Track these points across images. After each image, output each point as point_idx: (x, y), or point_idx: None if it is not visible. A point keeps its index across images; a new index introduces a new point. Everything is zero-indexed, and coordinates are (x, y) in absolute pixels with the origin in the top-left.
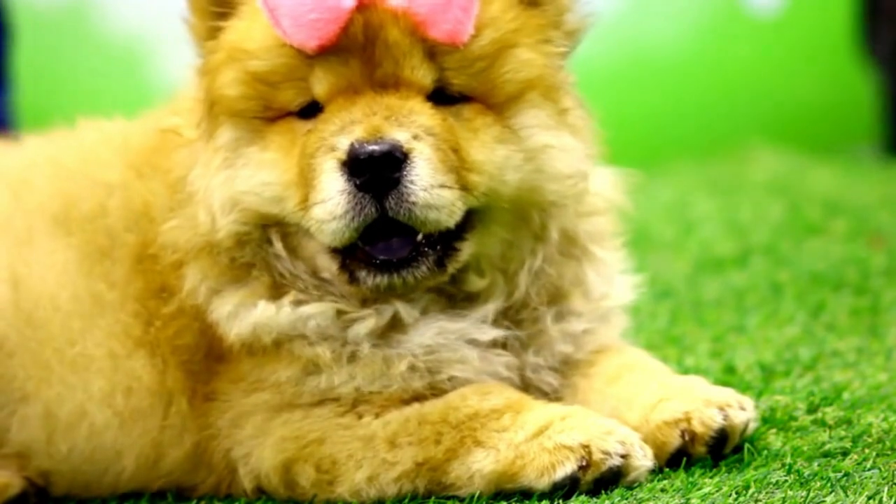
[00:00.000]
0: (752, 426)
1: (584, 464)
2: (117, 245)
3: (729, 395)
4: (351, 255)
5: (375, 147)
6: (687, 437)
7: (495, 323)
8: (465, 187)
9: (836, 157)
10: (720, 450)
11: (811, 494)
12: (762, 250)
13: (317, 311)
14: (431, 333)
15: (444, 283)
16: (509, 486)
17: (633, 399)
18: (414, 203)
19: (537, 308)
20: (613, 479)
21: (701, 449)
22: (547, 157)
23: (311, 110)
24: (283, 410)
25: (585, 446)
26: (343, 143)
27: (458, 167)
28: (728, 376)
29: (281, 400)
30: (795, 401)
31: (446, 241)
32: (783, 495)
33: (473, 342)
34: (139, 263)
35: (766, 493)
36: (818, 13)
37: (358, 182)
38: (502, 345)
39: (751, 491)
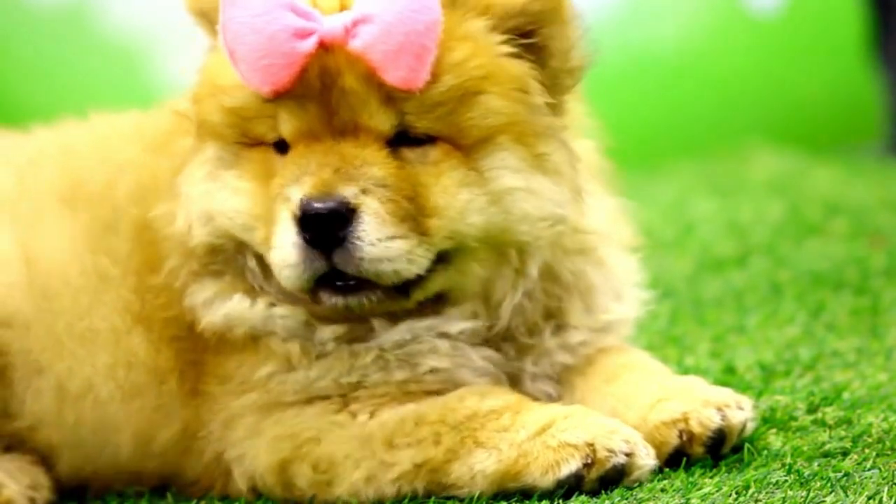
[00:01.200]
0: (751, 426)
1: (588, 461)
2: (121, 219)
3: (727, 395)
4: (311, 291)
5: (321, 205)
6: (685, 438)
7: (481, 339)
8: (424, 233)
9: (836, 157)
10: (718, 450)
11: (811, 494)
12: (762, 250)
13: (287, 313)
14: (400, 331)
15: (425, 308)
16: (513, 486)
17: (631, 399)
18: (361, 259)
19: (537, 323)
20: (617, 477)
21: (699, 449)
22: (513, 199)
23: (283, 145)
24: (273, 410)
25: (590, 444)
26: (295, 196)
27: (414, 215)
28: (728, 376)
29: (269, 399)
30: (795, 401)
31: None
32: (783, 495)
33: (443, 334)
34: (140, 236)
35: (766, 493)
36: (818, 13)
37: (307, 237)
38: (494, 347)
39: (751, 491)
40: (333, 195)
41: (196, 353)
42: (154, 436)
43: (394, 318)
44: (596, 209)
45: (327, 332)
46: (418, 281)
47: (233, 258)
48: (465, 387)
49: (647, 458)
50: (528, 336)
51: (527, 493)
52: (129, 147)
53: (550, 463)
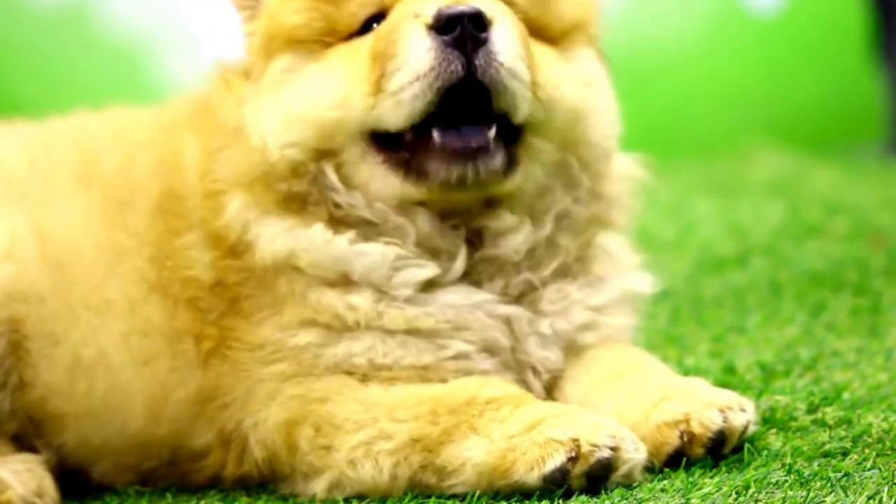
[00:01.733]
0: (752, 428)
1: (573, 455)
2: (139, 194)
3: (730, 397)
4: (417, 148)
5: (464, 7)
6: (685, 438)
7: (513, 288)
8: (533, 81)
9: (836, 157)
10: (718, 452)
11: (811, 494)
12: (762, 250)
13: (374, 251)
14: (460, 293)
15: (482, 217)
16: (501, 482)
17: (633, 397)
18: (501, 64)
19: (565, 263)
20: (604, 472)
21: (699, 450)
22: (597, 89)
23: (375, 21)
24: (297, 376)
25: (574, 439)
26: (429, 9)
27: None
28: (728, 376)
29: (298, 369)
30: (795, 401)
31: (509, 140)
32: (783, 495)
33: (491, 314)
34: (160, 208)
35: (766, 493)
36: (818, 13)
37: (447, 38)
38: (516, 299)
39: (751, 491)
40: (471, 3)
41: (222, 316)
42: (167, 398)
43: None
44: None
45: (412, 276)
46: (516, 153)
47: (314, 180)
48: (471, 376)
49: (634, 452)
50: (555, 278)
51: (527, 493)
52: (146, 128)
53: (536, 458)
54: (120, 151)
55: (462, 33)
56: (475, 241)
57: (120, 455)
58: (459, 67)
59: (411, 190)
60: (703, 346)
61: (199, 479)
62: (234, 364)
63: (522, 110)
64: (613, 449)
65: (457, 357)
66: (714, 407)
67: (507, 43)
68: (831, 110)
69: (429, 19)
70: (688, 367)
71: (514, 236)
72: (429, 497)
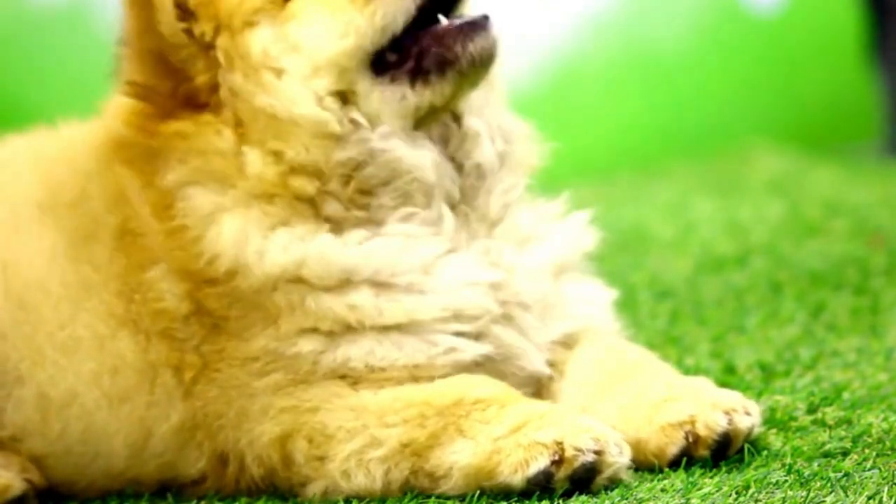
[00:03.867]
0: (757, 431)
1: (556, 459)
2: (100, 227)
3: (735, 399)
4: (422, 50)
5: None
6: (691, 440)
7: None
8: None
9: (836, 157)
10: (723, 454)
11: (811, 494)
12: (762, 250)
13: (382, 249)
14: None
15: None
16: (487, 484)
17: (636, 399)
18: None
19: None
20: (588, 475)
21: (704, 452)
22: None
23: None
24: (289, 387)
25: (559, 442)
26: None
27: None
28: (728, 376)
29: (294, 378)
30: (795, 401)
31: None
32: (783, 495)
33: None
34: (120, 241)
35: (766, 493)
36: (818, 13)
37: None
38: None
39: (751, 491)
40: None
41: (203, 342)
42: (149, 435)
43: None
44: None
45: (409, 261)
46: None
47: (341, 140)
48: (458, 375)
49: (618, 456)
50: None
51: (527, 493)
52: (90, 158)
53: (520, 461)
54: (76, 181)
55: None
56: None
57: (107, 490)
58: None
59: (424, 94)
60: (703, 346)
61: (197, 494)
62: (224, 385)
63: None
64: (597, 452)
65: (448, 352)
66: (720, 409)
67: None
68: (831, 110)
69: None
70: (688, 367)
71: (485, 144)
72: (428, 497)
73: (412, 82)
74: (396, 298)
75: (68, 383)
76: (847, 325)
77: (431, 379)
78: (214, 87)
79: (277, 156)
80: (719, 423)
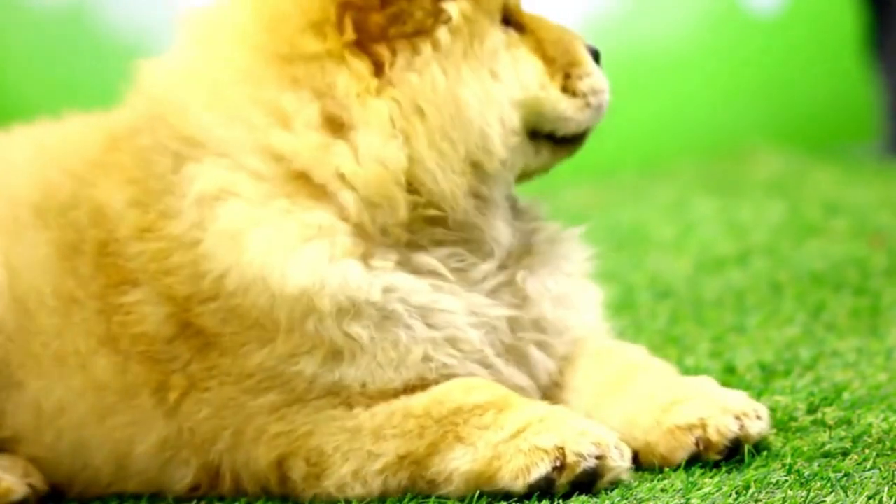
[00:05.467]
0: (765, 434)
1: (558, 465)
2: (84, 240)
3: (745, 403)
4: None
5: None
6: (701, 446)
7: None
8: None
9: (836, 157)
10: (731, 457)
11: (811, 494)
12: (762, 250)
13: (401, 282)
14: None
15: None
16: (487, 488)
17: (643, 402)
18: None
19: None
20: (589, 480)
21: (714, 457)
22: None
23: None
24: (282, 408)
25: (560, 448)
26: (577, 35)
27: None
28: (728, 376)
29: (288, 397)
30: (795, 401)
31: None
32: (783, 495)
33: (477, 316)
34: (100, 261)
35: (766, 493)
36: (818, 13)
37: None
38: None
39: (751, 491)
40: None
41: (190, 363)
42: (129, 453)
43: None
44: None
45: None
46: None
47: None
48: (456, 379)
49: (619, 461)
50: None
51: (526, 493)
52: (84, 158)
53: (521, 467)
54: (69, 184)
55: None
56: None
57: (101, 496)
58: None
59: (541, 158)
60: (703, 346)
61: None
62: (216, 404)
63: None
64: (599, 458)
65: (441, 368)
66: (731, 413)
67: None
68: (831, 110)
69: (586, 43)
70: (688, 367)
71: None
72: (428, 497)
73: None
74: (397, 334)
75: (59, 395)
76: (847, 325)
77: (425, 387)
78: (419, 32)
79: (414, 158)
80: (731, 429)
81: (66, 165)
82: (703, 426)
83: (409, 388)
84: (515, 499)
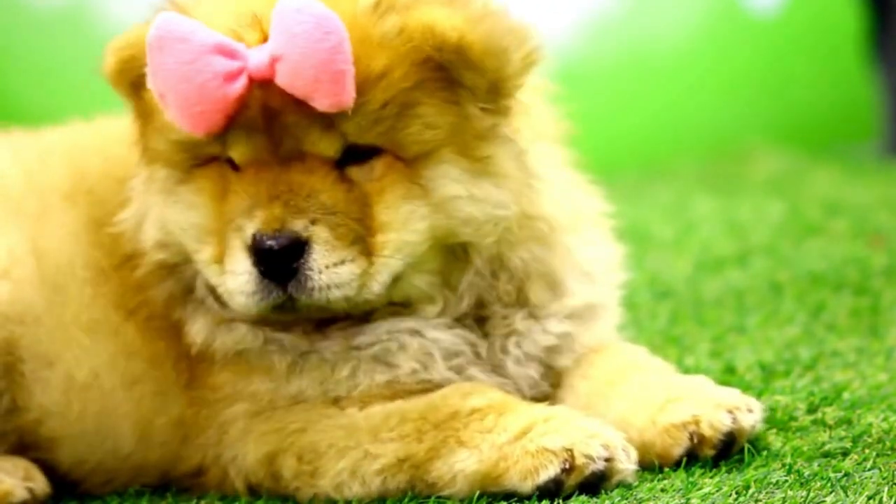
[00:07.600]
0: (758, 427)
1: (567, 467)
2: (110, 214)
3: (737, 397)
4: None
5: (273, 242)
6: (696, 441)
7: (457, 324)
8: (371, 252)
9: (836, 157)
10: (727, 453)
11: (811, 494)
12: (762, 250)
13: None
14: (374, 331)
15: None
16: (493, 489)
17: (638, 401)
18: (312, 288)
19: (506, 305)
20: (598, 482)
21: (709, 452)
22: (455, 206)
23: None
24: (263, 412)
25: (568, 450)
26: (248, 230)
27: (363, 235)
28: (728, 376)
29: (259, 407)
30: (795, 401)
31: None
32: (783, 495)
33: (415, 331)
34: (121, 234)
35: (766, 493)
36: (818, 13)
37: (262, 270)
38: (470, 329)
39: (751, 491)
40: (284, 231)
41: (184, 352)
42: (153, 422)
43: (365, 318)
44: (552, 196)
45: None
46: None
47: (183, 275)
48: (452, 385)
49: (627, 462)
50: (503, 319)
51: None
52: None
53: (529, 468)
54: (101, 166)
55: (273, 267)
56: None
57: (114, 475)
58: (280, 295)
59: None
60: (703, 346)
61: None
62: (202, 403)
63: (365, 295)
64: (607, 460)
65: (414, 373)
66: (723, 408)
67: (318, 261)
68: (831, 110)
69: (248, 240)
70: (688, 367)
71: (434, 310)
72: (428, 497)
73: None
74: (372, 369)
75: (91, 364)
76: (847, 325)
77: (409, 393)
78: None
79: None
80: (724, 423)
81: (101, 152)
82: (697, 422)
83: (391, 396)
84: (516, 498)
